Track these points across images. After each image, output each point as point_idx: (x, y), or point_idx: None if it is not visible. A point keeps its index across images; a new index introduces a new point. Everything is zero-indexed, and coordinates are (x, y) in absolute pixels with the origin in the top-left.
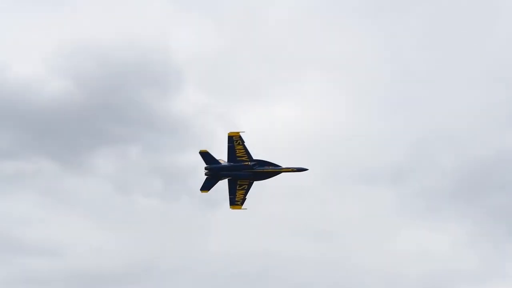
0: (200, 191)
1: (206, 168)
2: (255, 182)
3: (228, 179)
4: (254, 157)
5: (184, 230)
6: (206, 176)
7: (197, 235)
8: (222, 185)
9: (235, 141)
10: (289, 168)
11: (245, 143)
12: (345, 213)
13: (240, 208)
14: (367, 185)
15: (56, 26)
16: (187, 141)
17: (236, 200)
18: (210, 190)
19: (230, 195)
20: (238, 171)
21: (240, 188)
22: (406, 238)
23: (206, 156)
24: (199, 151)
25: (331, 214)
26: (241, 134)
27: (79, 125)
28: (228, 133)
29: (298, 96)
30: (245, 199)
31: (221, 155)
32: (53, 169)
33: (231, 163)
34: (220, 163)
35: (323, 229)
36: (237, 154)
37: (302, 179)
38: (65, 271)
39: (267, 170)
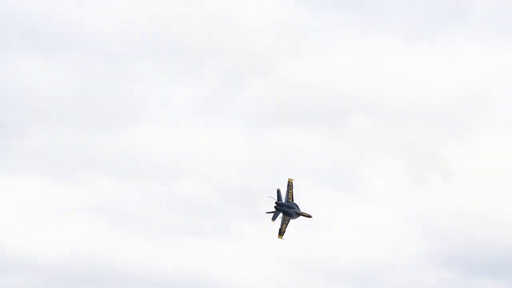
0: (271, 220)
1: (276, 203)
2: None
3: (282, 214)
4: None
5: None
6: (275, 210)
7: None
8: None
9: (289, 185)
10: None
11: (293, 189)
12: None
13: (282, 238)
14: None
15: None
16: None
17: (282, 231)
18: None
19: (280, 226)
20: (291, 209)
21: (284, 223)
22: None
23: (279, 193)
24: (277, 189)
25: None
26: (293, 181)
27: None
28: (289, 179)
29: None
30: (285, 232)
31: None
32: None
33: (288, 203)
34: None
35: None
36: (289, 196)
37: None
38: None
39: (300, 212)
